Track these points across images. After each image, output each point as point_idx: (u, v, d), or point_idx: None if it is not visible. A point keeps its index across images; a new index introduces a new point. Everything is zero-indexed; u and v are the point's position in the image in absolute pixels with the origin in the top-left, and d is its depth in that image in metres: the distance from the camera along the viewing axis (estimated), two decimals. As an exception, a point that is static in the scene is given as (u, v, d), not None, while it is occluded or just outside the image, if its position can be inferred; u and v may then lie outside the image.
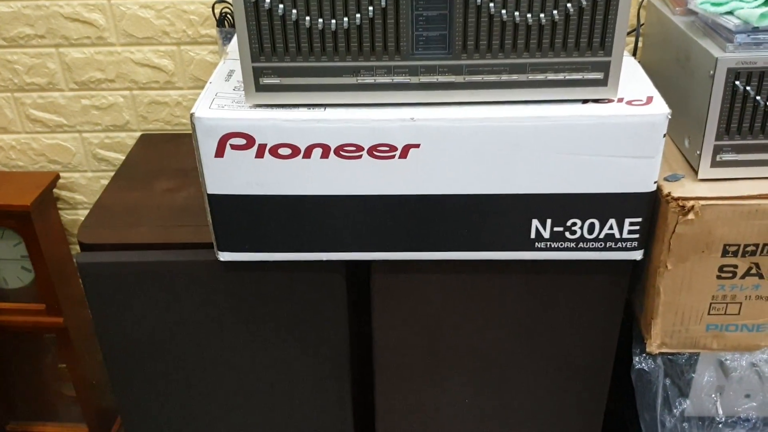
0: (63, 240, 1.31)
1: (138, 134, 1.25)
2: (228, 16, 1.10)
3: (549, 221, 0.79)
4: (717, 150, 0.78)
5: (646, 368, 0.87)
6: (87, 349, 1.33)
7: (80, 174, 1.30)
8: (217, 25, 1.11)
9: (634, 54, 1.04)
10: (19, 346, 1.38)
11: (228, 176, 0.78)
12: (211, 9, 1.14)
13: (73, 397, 1.38)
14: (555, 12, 0.70)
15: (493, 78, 0.74)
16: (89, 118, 1.24)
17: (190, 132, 0.76)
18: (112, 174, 1.07)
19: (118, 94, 1.22)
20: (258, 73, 0.74)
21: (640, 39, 1.03)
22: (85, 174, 1.30)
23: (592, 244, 0.80)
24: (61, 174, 1.29)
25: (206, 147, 0.76)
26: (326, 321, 0.91)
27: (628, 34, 1.07)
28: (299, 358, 0.94)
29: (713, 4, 0.78)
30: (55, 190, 1.28)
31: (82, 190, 1.31)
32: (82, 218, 0.94)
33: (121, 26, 1.16)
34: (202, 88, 0.82)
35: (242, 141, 0.76)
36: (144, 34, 1.17)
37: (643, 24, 1.01)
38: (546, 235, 0.80)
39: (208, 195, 0.80)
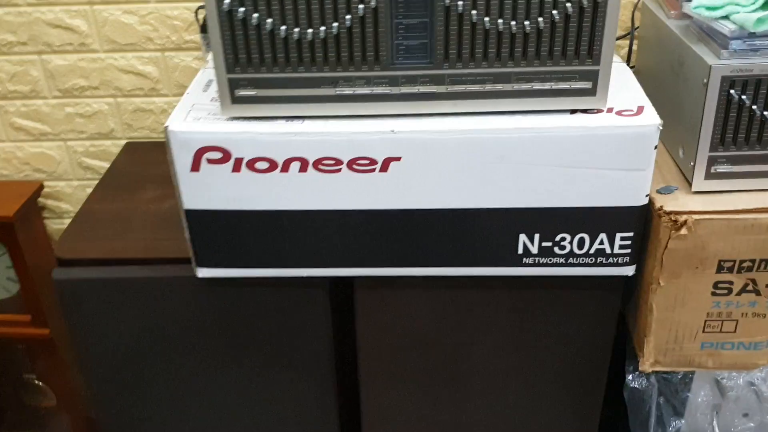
0: (48, 250, 1.28)
1: (123, 142, 1.22)
2: (212, 21, 1.07)
3: (537, 236, 0.76)
4: (711, 161, 0.75)
5: (638, 387, 0.85)
6: (73, 360, 1.31)
7: (65, 183, 1.28)
8: (201, 31, 1.08)
9: (628, 58, 1.00)
10: (3, 357, 1.36)
11: (204, 191, 0.76)
12: (194, 14, 1.11)
13: (57, 408, 1.36)
14: (540, 19, 0.67)
15: (476, 88, 0.71)
16: (73, 126, 1.22)
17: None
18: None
19: (102, 101, 1.20)
20: (233, 85, 0.72)
21: (635, 42, 1.00)
22: (71, 182, 1.28)
23: (582, 260, 0.77)
24: (46, 183, 1.27)
25: (181, 161, 0.74)
26: (310, 337, 0.88)
27: (623, 37, 1.05)
28: (283, 374, 0.91)
29: (708, 8, 0.75)
30: (40, 200, 1.26)
31: (68, 199, 1.29)
32: (68, 227, 0.93)
33: (104, 32, 1.14)
34: (186, 95, 0.80)
35: (218, 155, 0.73)
36: (127, 41, 1.14)
37: (637, 27, 0.98)
38: (534, 250, 0.77)
39: (185, 210, 0.77)
